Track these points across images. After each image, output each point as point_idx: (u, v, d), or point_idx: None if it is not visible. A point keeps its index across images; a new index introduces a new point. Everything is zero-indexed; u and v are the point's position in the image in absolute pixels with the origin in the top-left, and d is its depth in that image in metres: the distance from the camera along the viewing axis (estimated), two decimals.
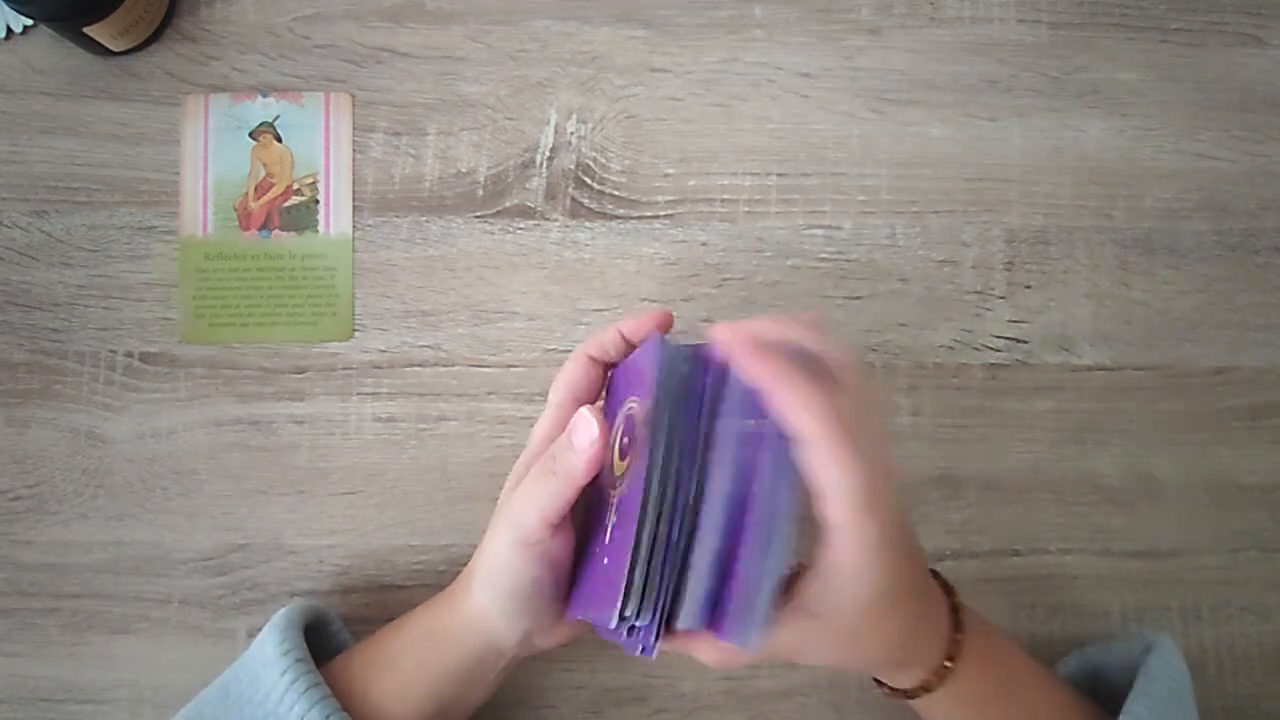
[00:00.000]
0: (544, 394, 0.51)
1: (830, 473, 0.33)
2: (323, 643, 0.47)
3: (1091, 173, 0.54)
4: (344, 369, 0.53)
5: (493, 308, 0.53)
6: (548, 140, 0.54)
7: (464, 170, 0.54)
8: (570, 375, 0.43)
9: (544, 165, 0.54)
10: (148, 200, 0.53)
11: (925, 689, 0.41)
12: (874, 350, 0.53)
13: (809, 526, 0.35)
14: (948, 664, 0.40)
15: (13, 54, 0.54)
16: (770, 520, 0.34)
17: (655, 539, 0.35)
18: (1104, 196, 0.54)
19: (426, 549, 0.52)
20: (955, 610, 0.41)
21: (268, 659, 0.42)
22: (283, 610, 0.45)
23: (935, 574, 0.42)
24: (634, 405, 0.38)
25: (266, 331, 0.53)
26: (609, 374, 0.44)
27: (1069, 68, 0.54)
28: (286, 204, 0.53)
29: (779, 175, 0.54)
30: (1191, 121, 0.54)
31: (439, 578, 0.52)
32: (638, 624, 0.35)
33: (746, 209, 0.54)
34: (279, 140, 0.54)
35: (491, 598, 0.41)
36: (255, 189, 0.54)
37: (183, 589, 0.51)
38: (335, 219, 0.53)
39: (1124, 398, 0.53)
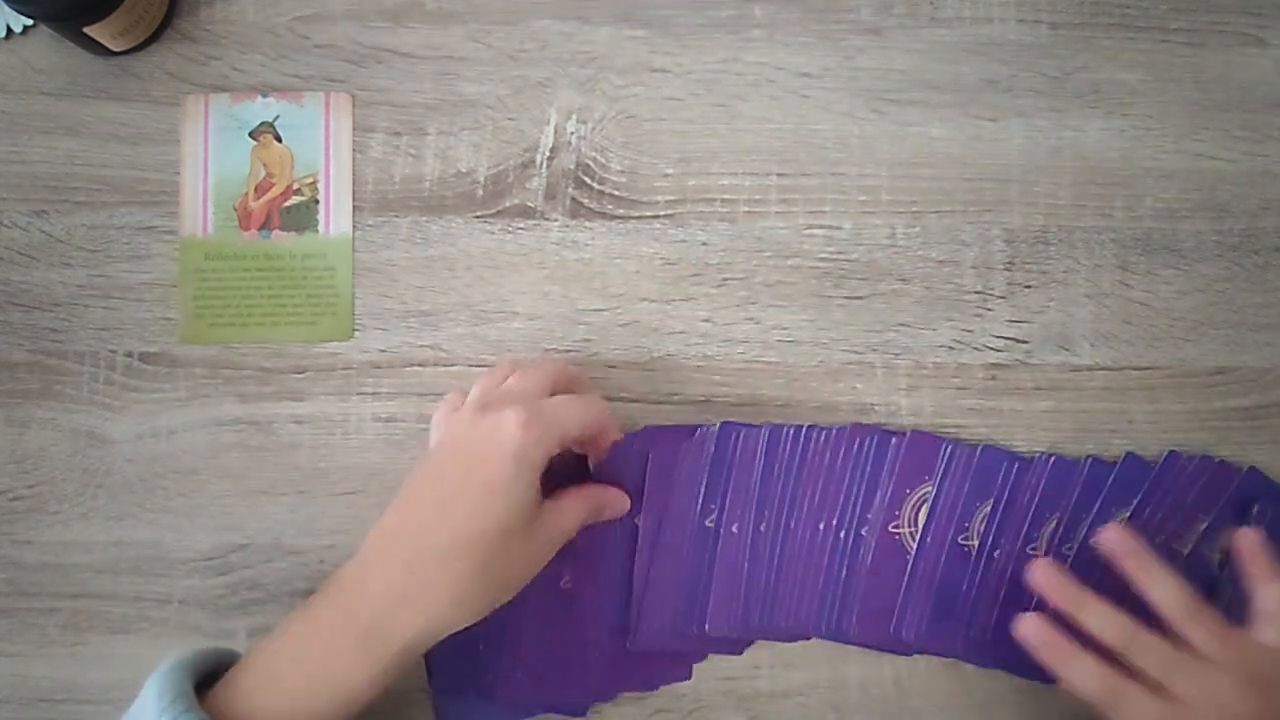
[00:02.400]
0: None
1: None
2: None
3: (1091, 173, 0.54)
4: (344, 369, 0.53)
5: (493, 308, 0.53)
6: (548, 140, 0.54)
7: (464, 170, 0.54)
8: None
9: (544, 165, 0.54)
10: (148, 200, 0.53)
11: None
12: (874, 350, 0.53)
13: None
14: None
15: (13, 54, 0.54)
16: None
17: None
18: (1104, 196, 0.54)
19: None
20: None
21: (148, 710, 0.38)
22: (174, 654, 0.41)
23: None
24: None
25: (266, 331, 0.53)
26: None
27: (1069, 68, 0.54)
28: (286, 204, 0.53)
29: (779, 175, 0.54)
30: (1191, 121, 0.54)
31: None
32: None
33: (746, 209, 0.54)
34: (279, 140, 0.54)
35: (467, 578, 0.41)
36: (255, 189, 0.54)
37: (183, 589, 0.51)
38: (335, 219, 0.53)
39: (1124, 398, 0.53)
